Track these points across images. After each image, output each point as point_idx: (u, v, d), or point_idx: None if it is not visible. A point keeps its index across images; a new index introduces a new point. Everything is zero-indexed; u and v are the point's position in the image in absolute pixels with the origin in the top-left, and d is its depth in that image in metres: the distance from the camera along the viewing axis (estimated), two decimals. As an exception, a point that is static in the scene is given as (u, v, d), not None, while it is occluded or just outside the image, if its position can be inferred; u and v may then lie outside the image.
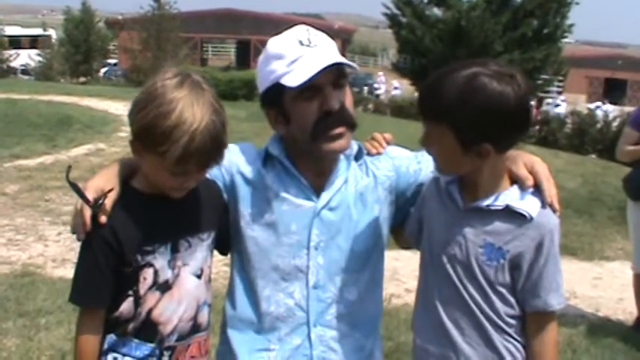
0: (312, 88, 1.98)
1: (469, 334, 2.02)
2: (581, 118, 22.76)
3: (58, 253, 6.78)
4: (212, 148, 1.85)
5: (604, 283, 7.36)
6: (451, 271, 2.01)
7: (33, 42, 47.13)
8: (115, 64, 45.93)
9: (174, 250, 1.99)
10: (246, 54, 52.15)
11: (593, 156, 19.55)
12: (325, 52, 2.02)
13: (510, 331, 2.01)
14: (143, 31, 37.86)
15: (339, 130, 2.03)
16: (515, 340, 2.02)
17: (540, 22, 27.49)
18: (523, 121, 1.89)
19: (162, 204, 1.97)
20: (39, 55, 42.91)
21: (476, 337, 2.01)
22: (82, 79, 41.89)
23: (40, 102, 16.39)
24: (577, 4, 27.88)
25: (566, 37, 29.59)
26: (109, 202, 1.89)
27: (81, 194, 1.87)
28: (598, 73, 62.44)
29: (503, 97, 1.80)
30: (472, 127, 1.83)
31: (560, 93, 42.24)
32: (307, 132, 2.03)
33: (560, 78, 38.17)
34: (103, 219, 1.88)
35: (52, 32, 48.93)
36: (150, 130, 1.82)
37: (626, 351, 5.45)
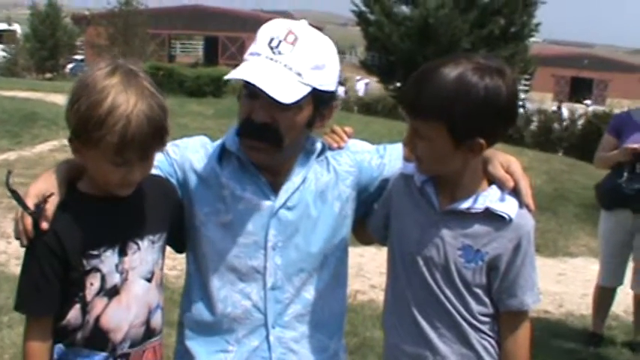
0: (251, 89, 1.92)
1: (445, 333, 2.01)
2: (547, 116, 22.95)
3: (21, 251, 6.51)
4: (150, 132, 1.78)
5: (567, 279, 7.44)
6: (427, 273, 2.00)
7: (-3, 37, 46.54)
8: (81, 60, 45.41)
9: (122, 254, 1.91)
10: (214, 50, 51.88)
11: (560, 154, 19.72)
12: (276, 66, 1.91)
13: (484, 328, 2.02)
14: (110, 27, 37.62)
15: (254, 143, 1.98)
16: (490, 336, 2.03)
17: (507, 20, 27.65)
18: (513, 114, 1.90)
19: (108, 206, 1.90)
20: (4, 50, 42.32)
21: (452, 335, 2.01)
22: (48, 75, 41.36)
23: (4, 98, 16.11)
24: (544, 3, 28.05)
25: (532, 35, 29.77)
26: (50, 207, 1.82)
27: (20, 201, 1.80)
28: (564, 72, 63.09)
29: (497, 92, 1.81)
30: (467, 122, 1.82)
31: (526, 92, 42.56)
32: (238, 125, 2.02)
33: (527, 77, 38.49)
34: (44, 225, 1.81)
35: (17, 27, 48.30)
36: (84, 122, 1.76)
37: (588, 345, 5.53)
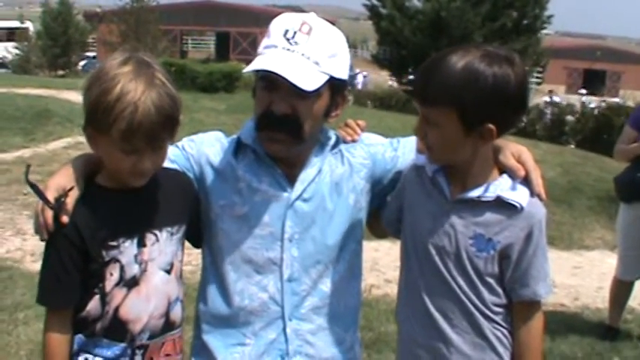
0: (270, 81, 1.94)
1: (457, 324, 2.01)
2: (560, 108, 22.85)
3: (36, 247, 6.53)
4: (159, 120, 1.81)
5: (583, 272, 7.40)
6: (439, 262, 2.00)
7: (10, 35, 46.56)
8: (93, 57, 45.50)
9: (141, 245, 1.94)
10: (226, 46, 51.91)
11: (572, 146, 19.63)
12: (294, 56, 1.94)
13: (497, 318, 2.02)
14: (122, 24, 37.73)
15: (274, 134, 2.00)
16: (503, 327, 2.03)
17: (519, 13, 27.61)
18: (523, 103, 1.91)
19: (126, 198, 1.93)
20: (16, 47, 42.46)
21: (464, 325, 2.01)
22: (61, 73, 41.51)
23: (17, 95, 16.17)
24: (555, -5, 28.01)
25: (545, 28, 29.71)
26: (70, 201, 1.84)
27: (41, 195, 1.83)
28: (577, 64, 62.83)
29: (505, 80, 1.82)
30: (477, 107, 1.83)
31: (539, 84, 42.45)
32: (255, 119, 2.03)
33: (540, 69, 38.39)
34: (65, 219, 1.83)
35: (29, 25, 48.43)
36: (95, 108, 1.80)
37: (604, 338, 5.50)
